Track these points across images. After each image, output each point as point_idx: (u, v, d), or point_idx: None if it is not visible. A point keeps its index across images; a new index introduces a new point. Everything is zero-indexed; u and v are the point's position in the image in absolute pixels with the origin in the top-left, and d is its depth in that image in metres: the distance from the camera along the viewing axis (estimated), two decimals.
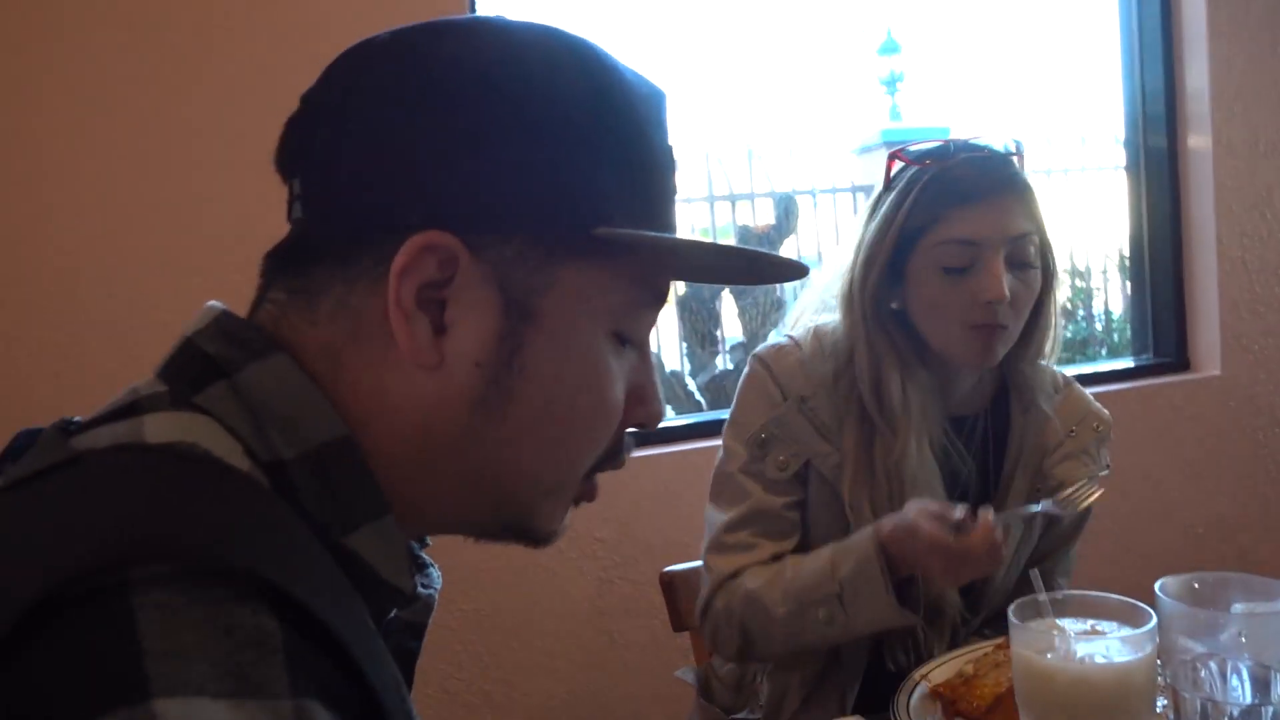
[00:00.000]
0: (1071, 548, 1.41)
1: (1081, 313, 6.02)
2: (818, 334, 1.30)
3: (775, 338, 1.34)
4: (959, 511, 1.13)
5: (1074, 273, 6.04)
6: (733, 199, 4.83)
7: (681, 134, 0.67)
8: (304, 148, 0.57)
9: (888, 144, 5.99)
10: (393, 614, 0.59)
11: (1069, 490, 1.22)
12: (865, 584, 1.16)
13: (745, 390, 1.31)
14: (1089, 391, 1.40)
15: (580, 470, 0.60)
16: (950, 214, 1.17)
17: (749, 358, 1.33)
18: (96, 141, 1.76)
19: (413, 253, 0.52)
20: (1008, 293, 1.16)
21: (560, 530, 0.63)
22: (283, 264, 0.57)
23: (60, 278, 1.75)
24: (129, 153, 1.77)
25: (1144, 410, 2.55)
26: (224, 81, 1.79)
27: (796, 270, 0.63)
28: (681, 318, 4.02)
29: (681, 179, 0.63)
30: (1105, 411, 1.37)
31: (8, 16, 1.70)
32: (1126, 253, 4.99)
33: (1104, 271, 5.90)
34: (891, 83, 6.37)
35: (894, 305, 1.24)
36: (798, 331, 1.32)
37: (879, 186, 1.27)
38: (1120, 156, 5.19)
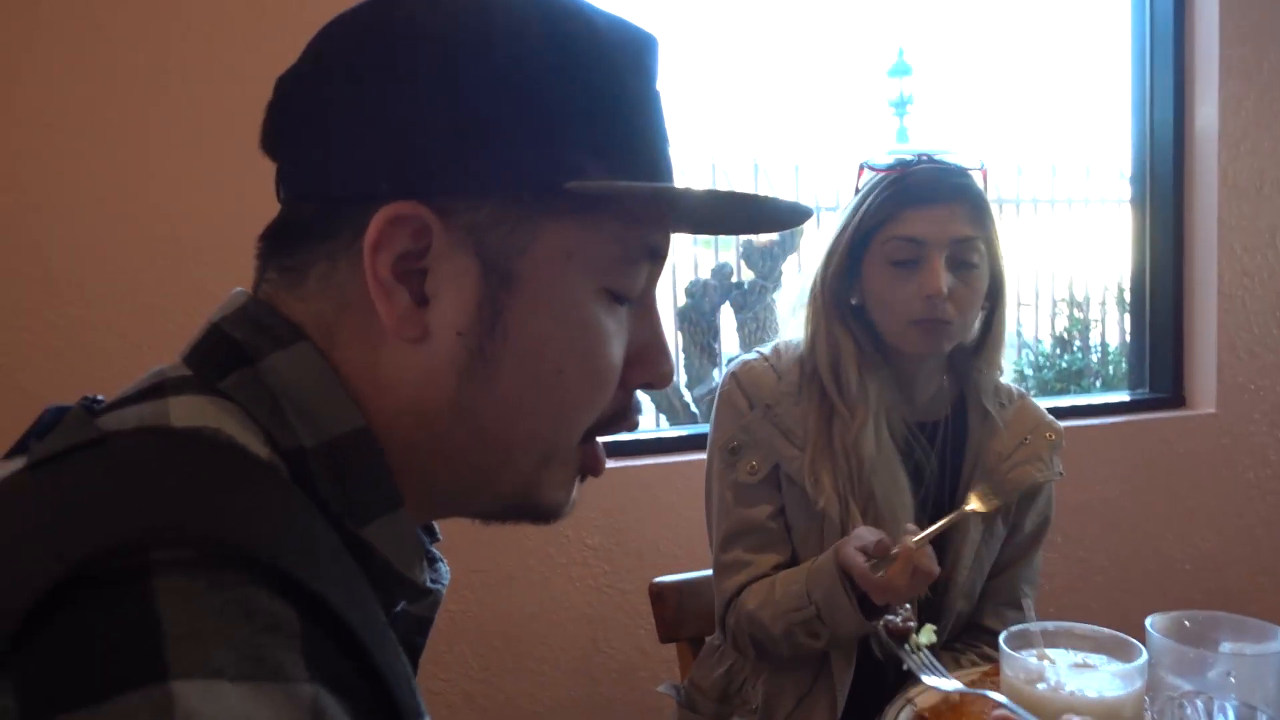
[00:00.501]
0: (1034, 556, 1.46)
1: (1078, 343, 6.04)
2: (780, 347, 1.41)
3: (745, 354, 1.45)
4: (874, 544, 1.19)
5: (1072, 303, 6.07)
6: None
7: (687, 141, 0.65)
8: (279, 128, 0.57)
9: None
10: (400, 607, 0.58)
11: (992, 481, 1.32)
12: (835, 604, 1.24)
13: (718, 404, 1.41)
14: (1085, 423, 1.47)
15: (574, 435, 0.58)
16: (902, 214, 1.28)
17: (726, 376, 1.42)
18: (94, 128, 1.76)
19: (382, 225, 0.51)
20: (945, 289, 1.26)
21: (566, 504, 0.61)
22: (273, 244, 0.57)
23: (59, 265, 1.75)
24: (130, 139, 1.77)
25: (1138, 445, 2.55)
26: (222, 69, 1.79)
27: (796, 214, 0.60)
28: (681, 329, 4.02)
29: (674, 126, 0.60)
30: (1058, 423, 1.45)
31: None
32: (1126, 286, 5.02)
33: (1102, 303, 5.92)
34: (901, 105, 6.39)
35: (853, 301, 1.35)
36: (765, 347, 1.43)
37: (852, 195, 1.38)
38: (1123, 190, 5.20)
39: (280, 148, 0.57)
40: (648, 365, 0.60)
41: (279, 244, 0.56)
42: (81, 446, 0.48)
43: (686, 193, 0.58)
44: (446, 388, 0.54)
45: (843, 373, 1.33)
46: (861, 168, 1.36)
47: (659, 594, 1.60)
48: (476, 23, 0.53)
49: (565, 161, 0.53)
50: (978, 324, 1.37)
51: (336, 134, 0.53)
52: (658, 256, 0.59)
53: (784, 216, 0.61)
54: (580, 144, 0.54)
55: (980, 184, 1.33)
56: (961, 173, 1.31)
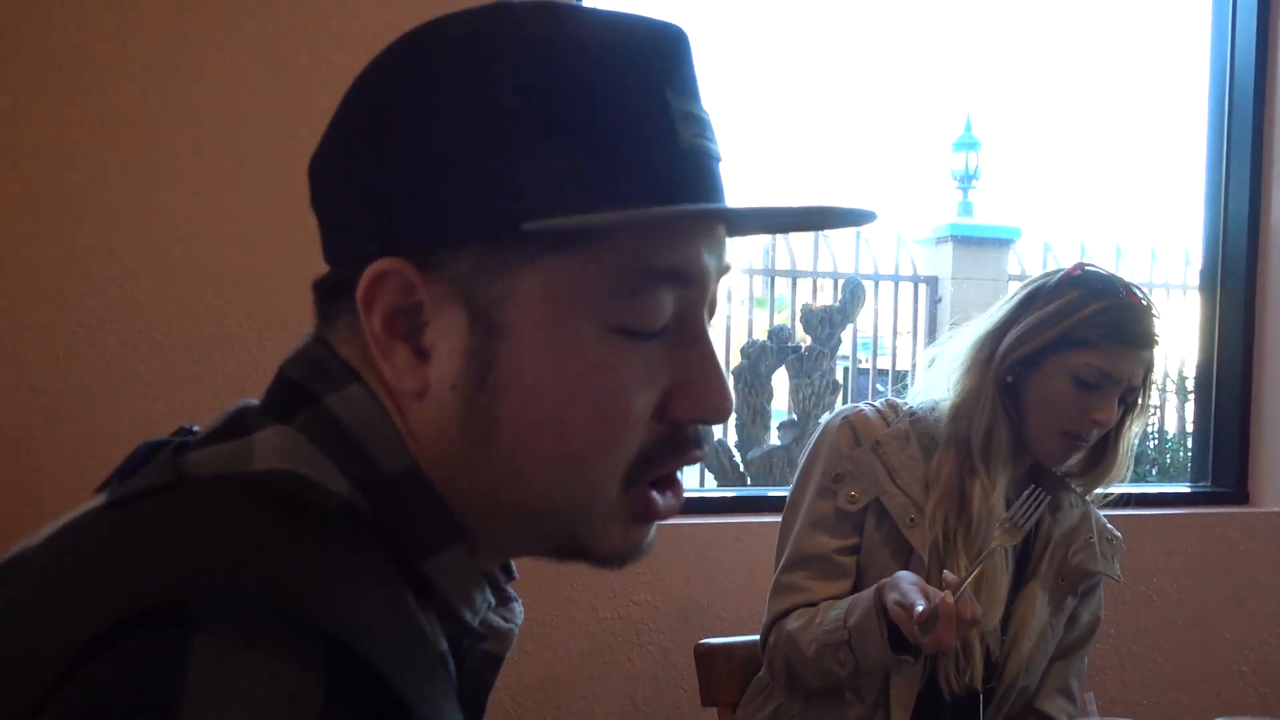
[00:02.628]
0: (1085, 651, 1.57)
1: None
2: (895, 405, 1.52)
3: (857, 404, 1.56)
4: (920, 606, 1.23)
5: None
6: (794, 275, 4.86)
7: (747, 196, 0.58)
8: (313, 192, 0.59)
9: (955, 238, 5.96)
10: (467, 642, 0.58)
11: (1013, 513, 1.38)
12: (868, 632, 1.32)
13: (824, 438, 1.50)
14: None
15: (605, 484, 0.55)
16: (1109, 346, 1.39)
17: (835, 418, 1.52)
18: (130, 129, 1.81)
19: (368, 284, 0.52)
20: (1113, 421, 1.41)
21: (631, 550, 0.57)
22: (318, 296, 0.59)
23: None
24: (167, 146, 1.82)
25: (1198, 540, 2.49)
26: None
27: (804, 216, 0.58)
28: (736, 389, 4.03)
29: (709, 133, 0.55)
30: (1119, 535, 1.59)
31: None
32: (1189, 374, 4.92)
33: (1162, 389, 5.83)
34: (966, 179, 6.35)
35: (1009, 379, 1.44)
36: (878, 401, 1.55)
37: (1045, 280, 1.47)
38: (1187, 274, 5.12)
39: (315, 210, 0.59)
40: (694, 399, 0.55)
41: (320, 296, 0.58)
42: (157, 490, 0.50)
43: (668, 212, 0.53)
44: (451, 442, 0.54)
45: (994, 445, 1.42)
46: (1076, 267, 1.47)
47: (705, 656, 1.59)
48: (443, 74, 0.52)
49: (525, 200, 0.50)
50: None
51: (341, 200, 0.56)
52: (680, 279, 0.54)
53: (807, 218, 0.59)
54: (541, 179, 0.51)
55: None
56: (1154, 319, 1.43)
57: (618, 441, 0.54)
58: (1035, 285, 1.48)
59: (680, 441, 0.56)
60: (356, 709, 0.43)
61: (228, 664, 0.41)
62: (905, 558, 1.43)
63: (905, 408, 1.51)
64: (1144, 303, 1.44)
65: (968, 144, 6.46)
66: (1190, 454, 2.82)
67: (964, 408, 1.44)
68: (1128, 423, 1.47)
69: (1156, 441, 5.97)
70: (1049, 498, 1.40)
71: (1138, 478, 5.67)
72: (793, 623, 1.41)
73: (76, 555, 0.48)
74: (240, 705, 0.40)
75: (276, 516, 0.48)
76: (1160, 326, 1.44)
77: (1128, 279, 1.48)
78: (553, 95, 0.51)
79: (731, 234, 0.59)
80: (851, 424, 1.48)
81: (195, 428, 0.57)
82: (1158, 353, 1.45)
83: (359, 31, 1.86)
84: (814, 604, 1.43)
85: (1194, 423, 2.88)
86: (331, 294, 0.57)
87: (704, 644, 1.60)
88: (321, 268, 0.58)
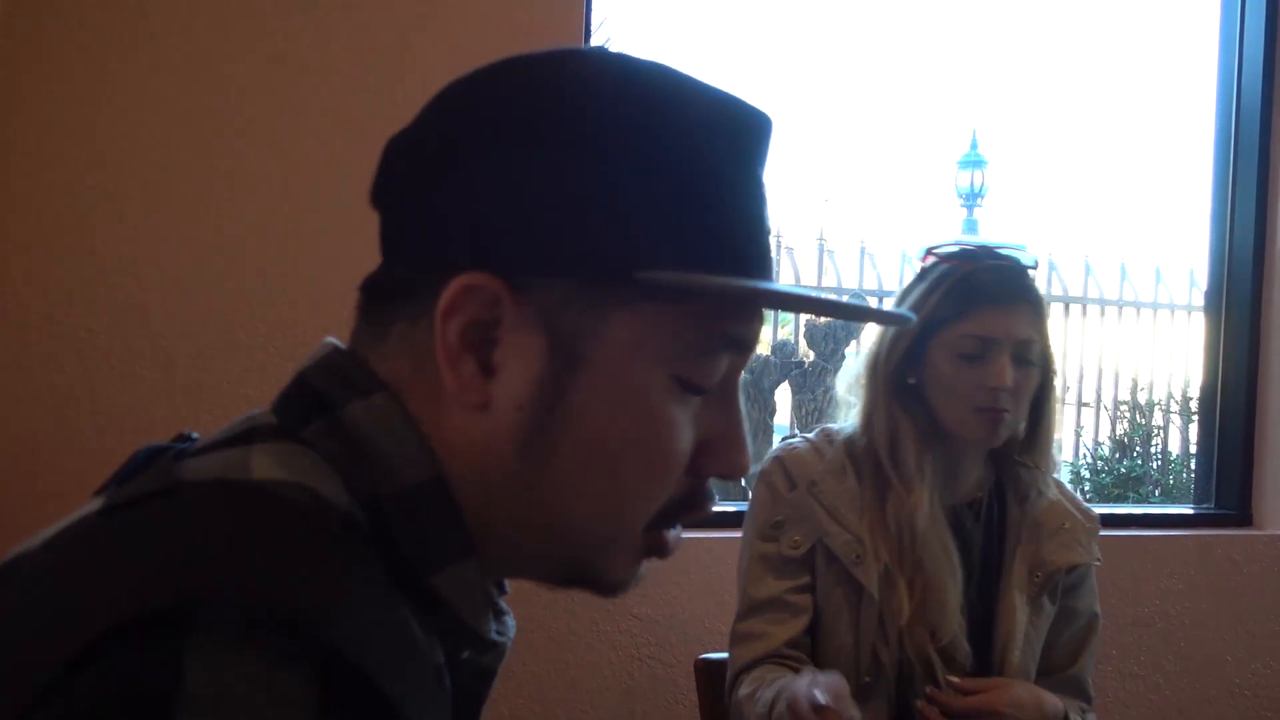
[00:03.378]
0: (1092, 648, 1.50)
1: (1138, 449, 5.93)
2: (827, 432, 1.50)
3: (790, 438, 1.54)
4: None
5: (1134, 407, 5.97)
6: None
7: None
8: (383, 187, 0.59)
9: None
10: (465, 654, 0.59)
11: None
12: None
13: (758, 485, 1.48)
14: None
15: (637, 523, 0.57)
16: (973, 312, 1.36)
17: (766, 458, 1.49)
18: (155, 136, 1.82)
19: (455, 294, 0.53)
20: (1010, 383, 1.35)
21: (632, 582, 0.60)
22: (367, 297, 0.59)
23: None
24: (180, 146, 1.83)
25: (1200, 561, 2.49)
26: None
27: (883, 318, 0.62)
28: None
29: (774, 215, 0.59)
30: (1094, 511, 1.54)
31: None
32: (1193, 395, 4.92)
33: (1166, 410, 5.82)
34: (972, 197, 6.36)
35: (911, 380, 1.42)
36: (811, 433, 1.52)
37: (912, 278, 1.47)
38: (1193, 295, 5.11)
39: (382, 204, 0.59)
40: (722, 456, 0.58)
41: (371, 297, 0.59)
42: (153, 495, 0.50)
43: (765, 290, 0.57)
44: (504, 458, 0.55)
45: (900, 448, 1.40)
46: (926, 253, 1.45)
47: (706, 670, 1.59)
48: (567, 107, 0.54)
49: (639, 249, 0.53)
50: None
51: (428, 202, 0.56)
52: (741, 347, 0.58)
53: (859, 313, 0.67)
54: (657, 231, 0.53)
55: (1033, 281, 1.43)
56: (1024, 273, 1.41)
57: (661, 487, 0.57)
58: (903, 287, 1.48)
59: (701, 494, 0.59)
60: (349, 716, 0.43)
61: (221, 669, 0.41)
62: (858, 594, 1.39)
63: (839, 434, 1.48)
64: (1008, 261, 1.40)
65: (974, 161, 6.47)
66: (1193, 475, 2.82)
67: (867, 421, 1.44)
68: (1047, 381, 1.43)
69: (1160, 462, 5.97)
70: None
71: (1139, 498, 5.66)
72: (744, 690, 1.37)
73: (69, 561, 0.48)
74: (234, 710, 0.40)
75: (271, 524, 0.49)
76: (1030, 279, 1.40)
77: (996, 243, 1.44)
78: (671, 153, 0.54)
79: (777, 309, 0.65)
80: (785, 465, 1.45)
81: (195, 434, 0.57)
82: (1040, 308, 1.40)
83: (369, 43, 1.88)
84: (774, 651, 1.40)
85: (1197, 444, 2.88)
86: (387, 296, 0.57)
87: (704, 659, 1.60)
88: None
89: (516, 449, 0.54)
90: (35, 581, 0.48)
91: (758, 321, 0.59)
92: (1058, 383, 1.45)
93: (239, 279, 1.82)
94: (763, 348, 4.55)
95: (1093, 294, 5.19)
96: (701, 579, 2.10)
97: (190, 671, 0.40)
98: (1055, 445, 1.48)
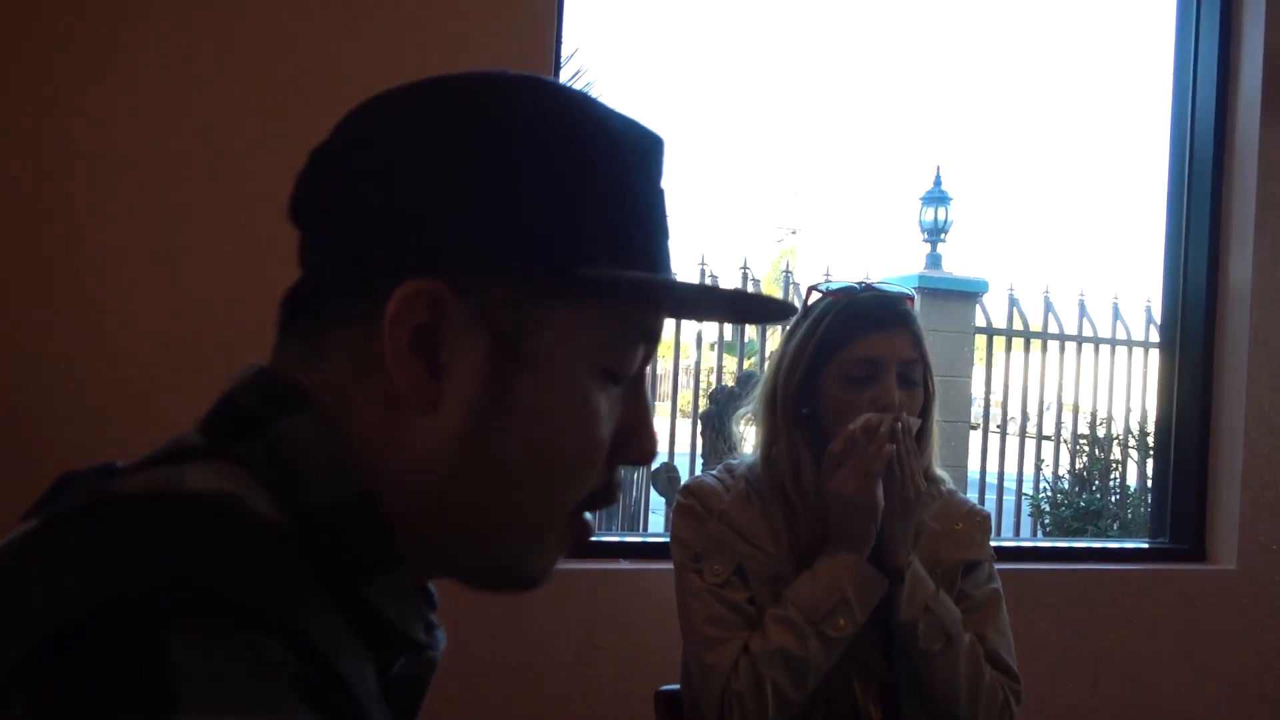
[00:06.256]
0: (999, 621, 1.51)
1: (1097, 483, 5.99)
2: (730, 466, 1.56)
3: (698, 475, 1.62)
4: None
5: (1094, 441, 6.03)
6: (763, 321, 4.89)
7: (716, 245, 0.69)
8: (311, 198, 0.60)
9: (923, 289, 6.02)
10: (397, 668, 0.60)
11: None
12: (864, 577, 1.38)
13: (677, 518, 1.52)
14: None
15: (568, 507, 0.61)
16: (858, 337, 1.45)
17: (681, 493, 1.55)
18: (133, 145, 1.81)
19: (403, 299, 0.54)
20: (897, 401, 1.42)
21: (550, 573, 0.63)
22: (295, 309, 0.60)
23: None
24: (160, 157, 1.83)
25: (1155, 596, 2.52)
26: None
27: (782, 309, 0.67)
28: (703, 434, 4.04)
29: (674, 221, 0.65)
30: (983, 509, 1.60)
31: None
32: (1150, 429, 4.99)
33: (1124, 444, 5.89)
34: (935, 231, 6.43)
35: (805, 410, 1.49)
36: (715, 470, 1.58)
37: (798, 315, 1.54)
38: (1150, 331, 5.19)
39: (309, 217, 0.60)
40: (633, 443, 0.63)
41: (300, 308, 0.59)
42: (89, 507, 0.51)
43: (685, 286, 0.63)
44: (452, 453, 0.57)
45: (801, 473, 1.46)
46: (810, 290, 1.55)
47: (667, 701, 1.59)
48: (504, 118, 0.58)
49: (577, 249, 0.57)
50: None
51: (365, 210, 0.57)
52: (652, 339, 0.63)
53: (770, 312, 0.68)
54: (591, 232, 0.58)
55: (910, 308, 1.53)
56: (900, 300, 1.50)
57: (592, 473, 0.61)
58: (790, 324, 1.54)
59: (614, 481, 0.63)
60: (315, 689, 0.45)
61: (201, 649, 0.42)
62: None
63: (740, 468, 1.54)
64: (882, 291, 1.50)
65: (937, 197, 6.55)
66: (1149, 510, 2.86)
67: (766, 453, 1.50)
68: (929, 400, 1.49)
69: (1119, 496, 6.03)
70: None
71: (1099, 532, 5.72)
72: (759, 644, 1.38)
73: (13, 571, 0.48)
74: (226, 680, 0.42)
75: (213, 525, 0.50)
76: (907, 307, 1.49)
77: (873, 281, 1.55)
78: (598, 162, 0.59)
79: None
80: (696, 497, 1.50)
81: (118, 463, 0.57)
82: (918, 332, 1.47)
83: (334, 67, 1.88)
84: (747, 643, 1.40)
85: (1152, 479, 2.92)
86: (316, 306, 0.58)
87: (665, 691, 1.60)
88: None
89: (464, 443, 0.56)
90: None
91: (663, 315, 0.65)
92: (937, 399, 1.53)
93: (186, 293, 1.81)
94: (727, 379, 4.57)
95: (1052, 329, 5.26)
96: (661, 609, 2.09)
97: (174, 654, 0.41)
98: (939, 456, 1.57)
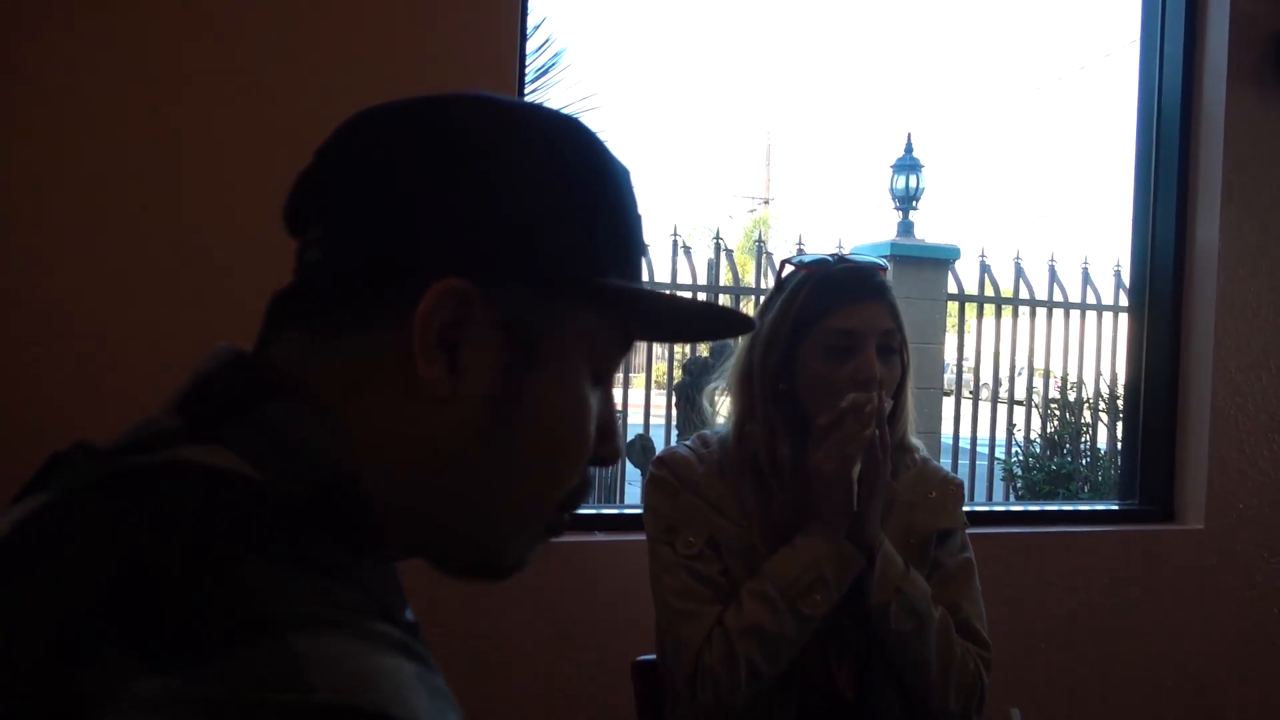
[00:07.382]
0: (971, 591, 1.51)
1: (1068, 447, 6.06)
2: (704, 437, 1.55)
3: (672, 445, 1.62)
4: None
5: (1065, 405, 6.10)
6: (736, 292, 4.91)
7: (688, 215, 0.74)
8: (324, 197, 0.62)
9: (895, 257, 6.04)
10: None
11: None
12: (841, 555, 1.38)
13: (650, 490, 1.51)
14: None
15: (554, 501, 0.65)
16: (835, 309, 1.43)
17: (653, 466, 1.54)
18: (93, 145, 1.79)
19: (435, 297, 0.57)
20: (878, 374, 1.41)
21: (526, 563, 0.67)
22: (299, 305, 0.61)
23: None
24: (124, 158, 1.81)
25: (1124, 557, 2.56)
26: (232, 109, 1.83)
27: (747, 325, 0.73)
28: (678, 406, 4.05)
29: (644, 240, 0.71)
30: (957, 477, 1.60)
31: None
32: (1120, 393, 5.04)
33: (1095, 408, 5.96)
34: (906, 199, 6.45)
35: (782, 386, 1.47)
36: (689, 440, 1.57)
37: (773, 289, 1.54)
38: (1119, 295, 5.22)
39: (321, 216, 0.61)
40: (604, 442, 0.67)
41: (308, 305, 0.61)
42: (112, 477, 0.52)
43: (679, 302, 0.71)
44: (464, 446, 0.60)
45: (778, 451, 1.45)
46: (783, 264, 1.53)
47: (643, 672, 1.60)
48: (521, 135, 0.62)
49: (592, 263, 0.62)
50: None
51: (393, 211, 0.59)
52: (630, 346, 0.69)
53: (741, 325, 0.73)
54: (603, 247, 0.63)
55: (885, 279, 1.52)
56: (875, 271, 1.49)
57: (579, 468, 0.65)
58: (765, 298, 1.54)
59: (588, 479, 0.68)
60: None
61: (281, 581, 0.46)
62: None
63: (714, 438, 1.53)
64: (857, 263, 1.49)
65: (909, 165, 6.56)
66: (1119, 472, 2.89)
67: (740, 427, 1.48)
68: (905, 368, 1.48)
69: (1089, 459, 6.11)
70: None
71: (1071, 495, 5.79)
72: (734, 620, 1.37)
73: (60, 534, 0.49)
74: (314, 603, 0.46)
75: (246, 492, 0.52)
76: (881, 278, 1.47)
77: (845, 252, 1.55)
78: (606, 182, 0.64)
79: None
80: (669, 468, 1.49)
81: (94, 442, 0.57)
82: (893, 302, 1.46)
83: (301, 46, 1.86)
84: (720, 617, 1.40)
85: (1122, 441, 2.96)
86: (332, 301, 0.60)
87: (641, 660, 1.61)
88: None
89: (478, 436, 0.60)
90: (14, 563, 0.49)
91: (655, 327, 0.73)
92: (913, 367, 1.52)
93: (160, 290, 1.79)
94: (701, 349, 4.58)
95: (1023, 294, 5.29)
96: (636, 580, 2.11)
97: (259, 586, 0.45)
98: (914, 423, 1.57)
